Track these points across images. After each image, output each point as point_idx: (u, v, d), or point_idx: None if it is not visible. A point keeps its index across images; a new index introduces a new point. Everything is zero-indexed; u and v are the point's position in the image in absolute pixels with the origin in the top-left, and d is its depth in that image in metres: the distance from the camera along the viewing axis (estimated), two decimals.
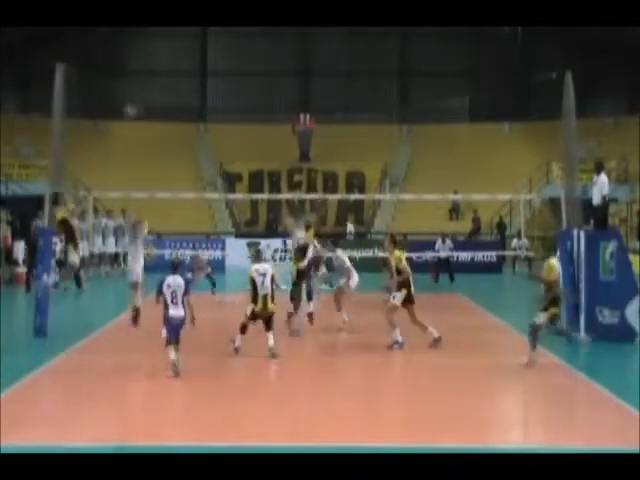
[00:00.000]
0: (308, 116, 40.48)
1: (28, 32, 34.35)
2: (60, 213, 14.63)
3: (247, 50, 43.91)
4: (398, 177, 40.48)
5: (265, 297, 13.02)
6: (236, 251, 31.57)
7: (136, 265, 15.94)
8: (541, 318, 12.11)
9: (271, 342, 12.95)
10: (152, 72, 44.34)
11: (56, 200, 15.57)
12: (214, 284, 21.70)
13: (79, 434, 8.72)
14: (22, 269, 25.64)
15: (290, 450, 7.86)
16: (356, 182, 39.53)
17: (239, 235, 35.93)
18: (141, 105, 43.95)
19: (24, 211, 27.37)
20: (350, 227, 36.35)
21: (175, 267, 11.98)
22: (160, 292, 11.66)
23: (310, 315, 15.75)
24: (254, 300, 13.07)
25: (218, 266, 30.94)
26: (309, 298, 15.83)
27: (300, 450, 7.85)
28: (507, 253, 31.45)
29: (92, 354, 13.55)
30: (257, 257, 14.18)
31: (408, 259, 14.37)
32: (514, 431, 9.57)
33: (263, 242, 32.06)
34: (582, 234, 15.16)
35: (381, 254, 30.16)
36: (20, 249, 26.42)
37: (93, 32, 38.56)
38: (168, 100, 43.79)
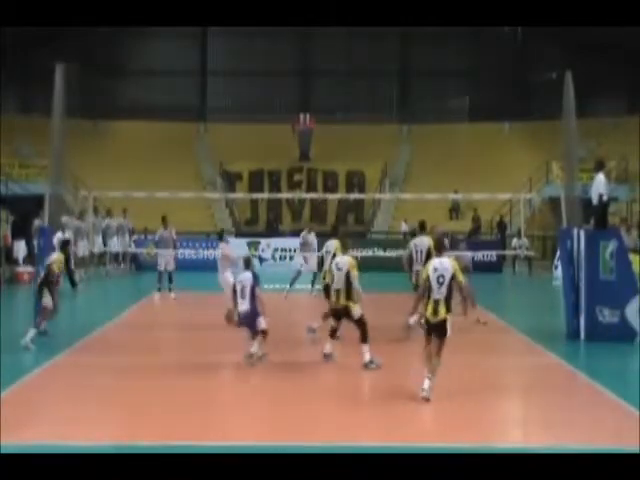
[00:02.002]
0: (308, 116, 40.51)
1: (28, 32, 34.32)
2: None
3: (247, 50, 43.91)
4: (398, 177, 40.49)
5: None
6: (236, 251, 31.52)
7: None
8: None
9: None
10: (152, 72, 44.35)
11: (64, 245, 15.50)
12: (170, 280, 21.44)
13: (79, 434, 8.73)
14: (22, 268, 25.69)
15: (290, 450, 7.87)
16: (356, 182, 39.55)
17: (239, 235, 35.93)
18: (141, 105, 43.86)
19: (24, 211, 27.40)
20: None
21: (247, 263, 12.66)
22: (234, 289, 12.45)
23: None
24: None
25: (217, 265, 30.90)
26: None
27: (300, 450, 7.86)
28: (507, 253, 31.46)
29: (92, 354, 13.55)
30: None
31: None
32: (514, 431, 9.58)
33: (263, 241, 32.08)
34: (582, 233, 15.15)
35: (381, 253, 30.37)
36: (20, 248, 26.46)
37: (93, 32, 38.54)
38: (168, 100, 43.78)
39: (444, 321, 10.28)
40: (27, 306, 16.76)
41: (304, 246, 22.62)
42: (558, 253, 20.44)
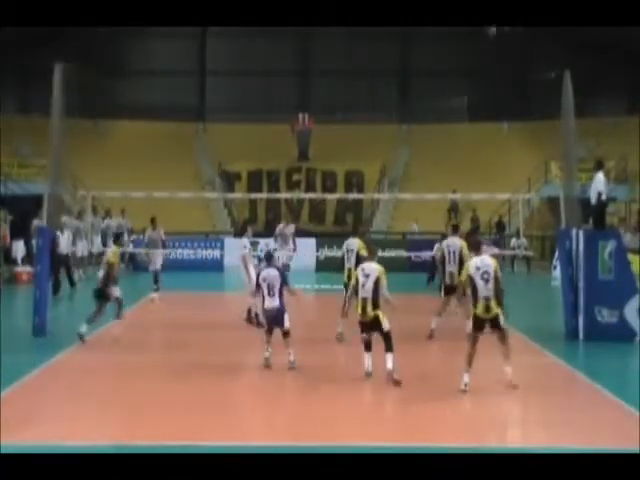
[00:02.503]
0: (307, 116, 40.47)
1: (28, 32, 34.31)
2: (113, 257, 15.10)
3: (247, 50, 43.89)
4: (397, 176, 40.48)
5: None
6: (235, 251, 31.51)
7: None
8: None
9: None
10: (152, 72, 44.33)
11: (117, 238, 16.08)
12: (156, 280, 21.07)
13: (79, 434, 8.73)
14: (21, 268, 25.69)
15: (290, 450, 7.87)
16: (355, 181, 39.51)
17: (238, 235, 35.86)
18: (140, 105, 43.82)
19: (23, 210, 27.39)
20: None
21: (269, 259, 12.43)
22: (258, 285, 12.20)
23: None
24: None
25: (216, 266, 30.92)
26: None
27: (300, 450, 7.86)
28: (506, 253, 31.45)
29: (92, 354, 13.55)
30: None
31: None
32: (514, 431, 9.59)
33: (262, 241, 32.01)
34: (581, 234, 15.16)
35: (379, 254, 30.35)
36: (19, 248, 26.45)
37: (93, 32, 38.53)
38: (167, 100, 43.78)
39: (497, 315, 10.84)
40: (26, 306, 16.75)
41: (280, 238, 22.62)
42: (557, 253, 20.46)
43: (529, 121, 41.60)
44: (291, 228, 22.86)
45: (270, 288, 12.03)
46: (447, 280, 15.18)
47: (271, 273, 12.13)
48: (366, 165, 39.83)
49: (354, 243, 14.96)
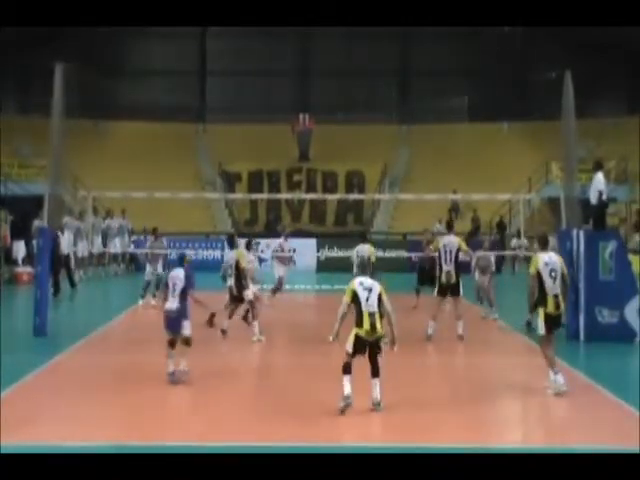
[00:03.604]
0: (307, 116, 40.46)
1: (28, 32, 34.30)
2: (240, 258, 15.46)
3: (247, 50, 43.88)
4: (397, 177, 40.46)
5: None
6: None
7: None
8: None
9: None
10: (152, 72, 44.33)
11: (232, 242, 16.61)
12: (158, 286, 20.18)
13: (79, 434, 8.72)
14: (22, 269, 25.68)
15: (290, 450, 7.86)
16: (356, 182, 39.49)
17: (238, 235, 35.83)
18: (141, 105, 43.78)
19: (23, 211, 27.40)
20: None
21: (180, 260, 11.99)
22: (166, 285, 11.69)
23: None
24: None
25: (217, 266, 30.83)
26: None
27: (300, 450, 7.86)
28: (506, 253, 31.45)
29: (91, 354, 13.55)
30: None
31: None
32: (514, 431, 9.58)
33: (263, 242, 32.06)
34: (582, 234, 15.17)
35: (380, 254, 30.32)
36: (20, 249, 26.45)
37: (93, 32, 38.49)
38: (167, 100, 43.78)
39: (563, 313, 10.86)
40: (27, 306, 16.75)
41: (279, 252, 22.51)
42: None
43: (529, 121, 41.56)
44: (288, 244, 22.75)
45: (173, 288, 11.38)
46: (443, 279, 14.98)
47: (177, 274, 11.51)
48: (367, 165, 39.81)
49: (365, 249, 15.00)
